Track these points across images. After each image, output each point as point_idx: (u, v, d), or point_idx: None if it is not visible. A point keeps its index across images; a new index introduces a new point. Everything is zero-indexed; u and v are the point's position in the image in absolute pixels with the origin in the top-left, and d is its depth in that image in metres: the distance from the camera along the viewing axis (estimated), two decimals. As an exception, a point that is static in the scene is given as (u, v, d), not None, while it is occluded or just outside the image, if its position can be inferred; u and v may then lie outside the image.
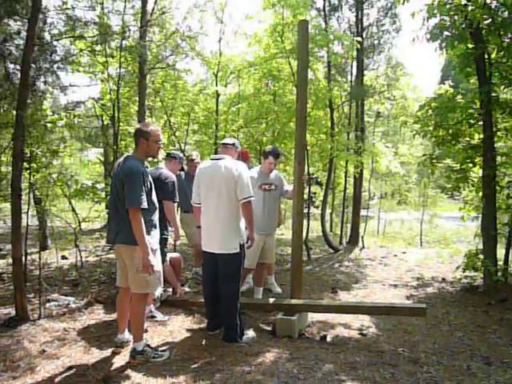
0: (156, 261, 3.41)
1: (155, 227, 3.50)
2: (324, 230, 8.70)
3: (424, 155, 6.05)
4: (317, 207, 14.93)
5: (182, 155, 5.05)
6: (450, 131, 5.65)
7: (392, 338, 4.21)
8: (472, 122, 5.50)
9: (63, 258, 7.50)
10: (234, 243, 3.75)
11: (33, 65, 4.50)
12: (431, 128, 5.69)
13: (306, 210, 8.96)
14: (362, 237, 9.53)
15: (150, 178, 3.53)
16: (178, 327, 4.28)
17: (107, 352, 3.61)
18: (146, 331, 3.98)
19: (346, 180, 9.88)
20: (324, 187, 9.50)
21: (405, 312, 3.92)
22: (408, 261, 8.17)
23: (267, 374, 3.28)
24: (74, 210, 7.56)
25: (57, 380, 3.12)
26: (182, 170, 5.32)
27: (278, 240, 10.55)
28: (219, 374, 3.26)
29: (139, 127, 3.54)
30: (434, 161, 5.84)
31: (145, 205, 3.27)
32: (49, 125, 5.22)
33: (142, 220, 3.25)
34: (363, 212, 12.67)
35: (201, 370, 3.35)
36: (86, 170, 12.83)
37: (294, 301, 4.29)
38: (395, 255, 8.68)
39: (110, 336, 3.92)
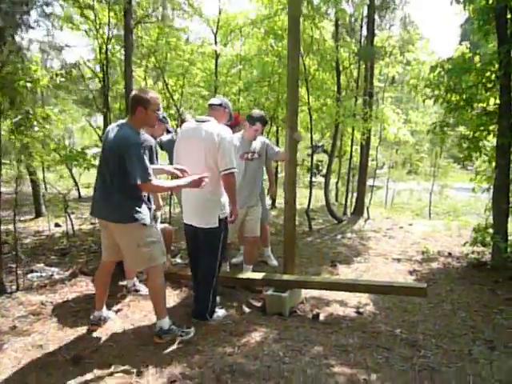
0: (156, 231, 3.28)
1: (145, 202, 3.18)
2: (327, 200, 8.35)
3: (434, 123, 5.57)
4: (324, 176, 14.54)
5: (161, 114, 4.68)
6: (464, 96, 5.16)
7: (390, 317, 3.94)
8: (489, 85, 5.00)
9: (57, 225, 7.33)
10: (213, 218, 3.43)
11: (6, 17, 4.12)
12: (443, 92, 5.21)
13: (308, 179, 8.62)
14: (368, 207, 9.17)
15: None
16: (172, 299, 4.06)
17: (82, 329, 3.40)
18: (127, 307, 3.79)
19: (352, 147, 9.41)
20: (328, 156, 9.08)
21: (404, 291, 3.62)
22: (414, 233, 7.84)
23: (250, 356, 3.05)
24: (72, 175, 7.28)
25: (23, 360, 2.91)
26: (169, 132, 4.94)
27: (280, 209, 10.26)
28: (198, 356, 3.04)
29: (137, 93, 3.11)
30: (444, 128, 5.38)
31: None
32: (29, 85, 4.86)
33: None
34: (371, 181, 12.30)
35: (180, 350, 3.13)
36: (86, 136, 12.51)
37: (285, 276, 4.02)
38: (401, 227, 8.34)
39: (88, 311, 3.71)
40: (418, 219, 10.04)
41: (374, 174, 10.79)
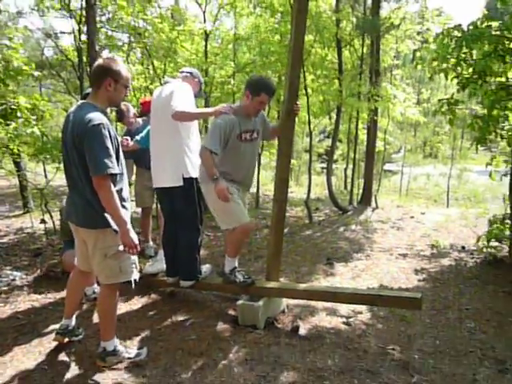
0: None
1: (124, 200, 2.62)
2: (330, 188, 7.71)
3: (440, 100, 4.87)
4: (335, 161, 13.83)
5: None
6: (476, 68, 4.44)
7: (384, 329, 3.38)
8: (504, 54, 4.27)
9: (42, 221, 6.95)
10: (175, 175, 3.40)
11: None
12: (451, 65, 4.49)
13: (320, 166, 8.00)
14: (376, 195, 8.50)
15: (115, 132, 2.60)
16: (124, 311, 3.61)
17: (21, 349, 2.96)
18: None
19: (356, 131, 8.66)
20: (331, 139, 8.41)
21: (393, 303, 3.03)
22: (426, 224, 7.17)
23: (203, 384, 2.55)
24: (45, 170, 6.86)
25: None
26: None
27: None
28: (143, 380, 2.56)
29: (105, 62, 2.53)
30: (453, 106, 4.67)
31: (116, 169, 2.44)
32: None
33: (113, 189, 2.44)
34: (386, 166, 11.56)
35: (122, 376, 2.65)
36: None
37: (261, 283, 3.49)
38: (412, 217, 7.67)
39: (35, 325, 3.30)
40: (432, 207, 9.31)
41: (385, 159, 10.01)
